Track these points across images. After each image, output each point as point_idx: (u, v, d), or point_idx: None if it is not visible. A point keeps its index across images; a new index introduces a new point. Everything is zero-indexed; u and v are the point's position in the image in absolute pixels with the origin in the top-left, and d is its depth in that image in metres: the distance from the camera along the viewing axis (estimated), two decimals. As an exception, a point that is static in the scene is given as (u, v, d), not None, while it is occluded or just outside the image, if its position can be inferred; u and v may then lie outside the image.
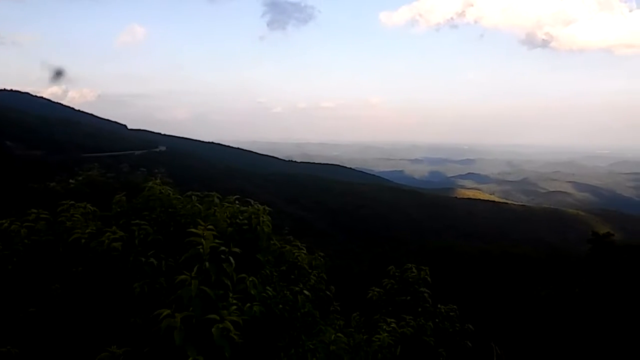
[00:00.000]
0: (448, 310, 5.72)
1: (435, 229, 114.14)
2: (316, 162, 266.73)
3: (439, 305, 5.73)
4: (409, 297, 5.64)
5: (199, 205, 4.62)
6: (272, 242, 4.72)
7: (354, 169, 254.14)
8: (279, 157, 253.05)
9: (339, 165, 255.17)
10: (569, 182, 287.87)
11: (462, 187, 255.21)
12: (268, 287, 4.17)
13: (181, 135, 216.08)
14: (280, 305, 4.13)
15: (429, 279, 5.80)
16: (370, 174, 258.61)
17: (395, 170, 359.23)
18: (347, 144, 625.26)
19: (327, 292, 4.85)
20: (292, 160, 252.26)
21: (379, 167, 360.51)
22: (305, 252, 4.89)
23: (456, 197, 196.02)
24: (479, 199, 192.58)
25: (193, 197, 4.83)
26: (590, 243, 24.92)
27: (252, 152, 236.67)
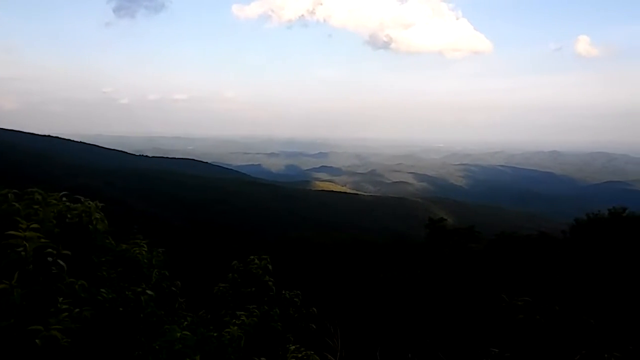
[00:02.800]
0: (292, 296, 5.89)
1: (293, 221, 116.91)
2: (169, 156, 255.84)
3: (283, 292, 5.87)
4: (253, 288, 5.71)
5: (17, 204, 3.97)
6: (107, 241, 4.32)
7: (210, 164, 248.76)
8: (128, 151, 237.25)
9: (194, 159, 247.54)
10: (410, 173, 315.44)
11: (317, 179, 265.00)
12: (103, 290, 3.81)
13: (9, 128, 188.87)
14: (121, 308, 3.81)
15: (270, 267, 5.90)
16: (227, 168, 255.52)
17: (253, 164, 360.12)
18: (202, 137, 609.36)
19: (173, 289, 4.60)
20: (142, 155, 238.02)
21: (236, 161, 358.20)
22: (146, 249, 4.55)
23: (311, 189, 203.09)
24: (333, 191, 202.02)
25: (10, 195, 4.13)
26: (427, 228, 27.57)
27: (97, 146, 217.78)
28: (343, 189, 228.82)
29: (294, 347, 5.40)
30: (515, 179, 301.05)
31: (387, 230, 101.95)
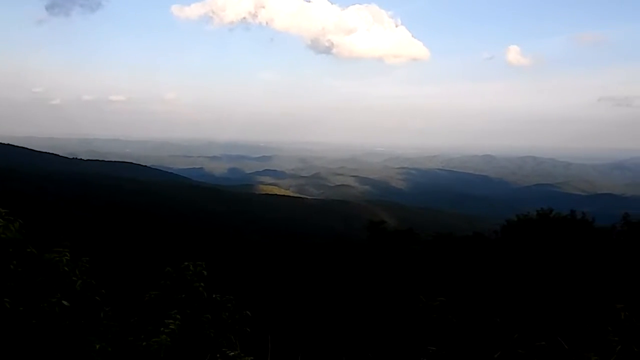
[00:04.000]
0: (225, 300, 5.85)
1: (236, 226, 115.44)
2: (106, 159, 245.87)
3: (214, 296, 5.83)
4: (183, 295, 5.62)
5: None
6: (28, 250, 4.12)
7: (149, 167, 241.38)
8: (61, 154, 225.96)
9: (132, 162, 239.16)
10: (353, 176, 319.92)
11: (261, 183, 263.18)
12: (7, 299, 3.61)
13: None
14: (34, 320, 3.63)
15: (204, 272, 5.85)
16: (167, 172, 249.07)
17: (194, 168, 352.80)
18: (140, 140, 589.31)
19: (97, 298, 4.44)
20: (76, 158, 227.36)
21: (177, 165, 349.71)
22: (68, 257, 4.38)
23: (255, 192, 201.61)
24: (276, 194, 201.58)
25: None
26: (368, 230, 28.11)
27: (27, 148, 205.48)
28: (287, 193, 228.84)
29: (233, 353, 5.35)
30: (452, 182, 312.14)
31: (330, 233, 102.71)
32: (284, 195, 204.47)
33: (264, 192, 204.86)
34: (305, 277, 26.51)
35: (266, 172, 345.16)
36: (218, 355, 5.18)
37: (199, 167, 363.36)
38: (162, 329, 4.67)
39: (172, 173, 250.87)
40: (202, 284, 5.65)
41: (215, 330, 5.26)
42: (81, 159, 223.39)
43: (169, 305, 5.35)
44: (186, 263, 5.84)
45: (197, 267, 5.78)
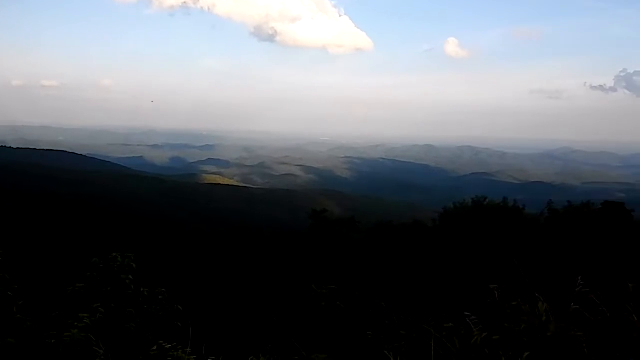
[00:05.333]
0: (155, 294, 5.80)
1: (179, 216, 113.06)
2: (37, 147, 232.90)
3: (141, 289, 5.76)
4: (109, 288, 5.53)
5: None
6: None
7: (85, 156, 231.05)
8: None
9: (66, 151, 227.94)
10: (298, 165, 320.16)
11: (205, 172, 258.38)
12: None
13: None
14: None
15: (134, 265, 5.77)
16: (105, 161, 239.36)
17: (134, 157, 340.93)
18: (75, 128, 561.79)
19: (9, 294, 4.32)
20: (5, 146, 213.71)
21: (115, 154, 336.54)
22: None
23: (198, 182, 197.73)
24: (220, 184, 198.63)
25: None
26: (311, 219, 28.43)
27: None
28: (231, 182, 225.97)
29: (169, 345, 5.32)
30: (394, 171, 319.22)
31: (275, 223, 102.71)
32: (228, 185, 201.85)
33: (207, 182, 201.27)
34: (248, 267, 26.50)
35: (210, 161, 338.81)
36: (155, 348, 5.16)
37: (138, 156, 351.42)
38: (75, 323, 4.57)
39: (110, 162, 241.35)
40: (129, 276, 5.56)
41: (139, 324, 5.20)
42: (10, 147, 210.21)
43: (94, 298, 5.24)
44: (114, 254, 5.73)
45: (125, 259, 5.68)
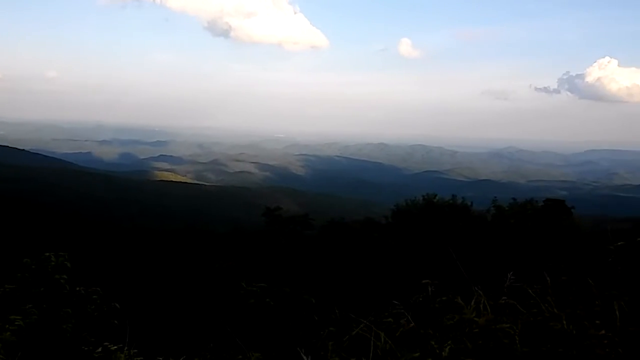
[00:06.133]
0: (90, 293, 5.66)
1: (129, 213, 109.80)
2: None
3: (77, 289, 5.62)
4: (42, 288, 5.36)
5: None
6: None
7: (28, 151, 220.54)
8: None
9: (7, 146, 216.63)
10: (253, 162, 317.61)
11: (156, 169, 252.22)
12: None
13: None
14: None
15: (68, 264, 5.61)
16: (50, 157, 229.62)
17: (81, 152, 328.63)
18: (17, 122, 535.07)
19: None
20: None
21: (61, 149, 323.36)
22: None
23: (149, 179, 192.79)
24: (173, 181, 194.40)
25: None
26: (265, 217, 28.33)
27: None
28: (184, 179, 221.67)
29: (115, 347, 5.20)
30: (349, 169, 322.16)
31: (229, 220, 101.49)
32: (180, 182, 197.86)
33: (159, 179, 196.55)
34: (199, 266, 26.13)
35: (162, 157, 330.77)
36: (100, 350, 5.04)
37: (86, 151, 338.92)
38: (7, 326, 4.42)
39: (54, 158, 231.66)
40: (64, 276, 5.40)
41: (75, 324, 5.07)
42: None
43: (25, 300, 5.06)
44: (47, 254, 5.55)
45: (59, 258, 5.51)
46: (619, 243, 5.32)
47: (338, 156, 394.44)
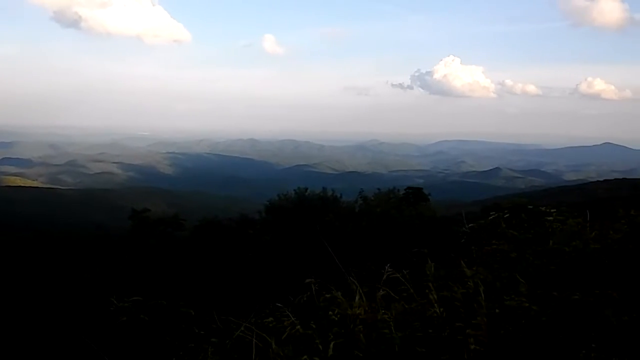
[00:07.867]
0: None
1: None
2: None
3: None
4: None
5: None
6: None
7: None
8: None
9: None
10: (115, 162, 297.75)
11: (2, 173, 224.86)
12: None
13: None
14: None
15: None
16: None
17: None
18: None
19: None
20: None
21: None
22: None
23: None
24: (22, 186, 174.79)
25: None
26: (131, 219, 26.66)
27: None
28: (35, 184, 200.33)
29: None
30: (219, 166, 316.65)
31: (90, 225, 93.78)
32: (31, 187, 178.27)
33: (4, 184, 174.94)
34: (57, 278, 23.76)
35: (7, 160, 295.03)
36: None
37: None
38: None
39: None
40: None
41: None
42: None
43: None
44: None
45: None
46: (471, 225, 5.90)
47: (208, 153, 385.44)
